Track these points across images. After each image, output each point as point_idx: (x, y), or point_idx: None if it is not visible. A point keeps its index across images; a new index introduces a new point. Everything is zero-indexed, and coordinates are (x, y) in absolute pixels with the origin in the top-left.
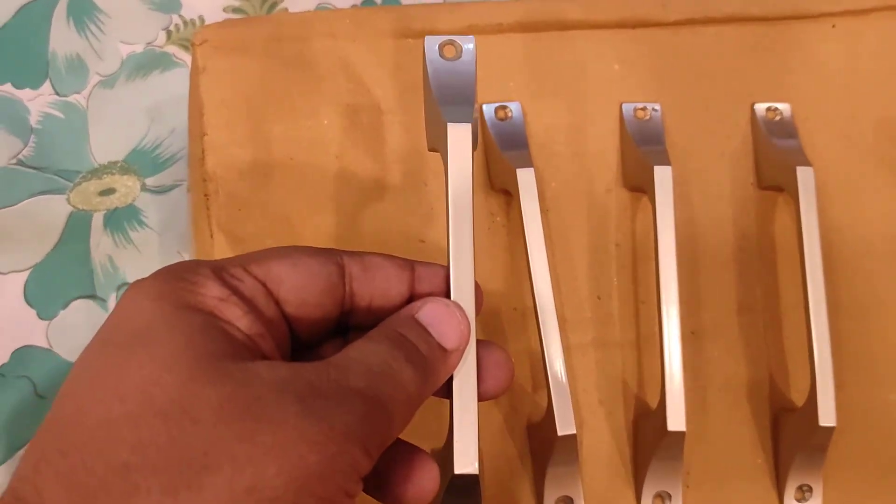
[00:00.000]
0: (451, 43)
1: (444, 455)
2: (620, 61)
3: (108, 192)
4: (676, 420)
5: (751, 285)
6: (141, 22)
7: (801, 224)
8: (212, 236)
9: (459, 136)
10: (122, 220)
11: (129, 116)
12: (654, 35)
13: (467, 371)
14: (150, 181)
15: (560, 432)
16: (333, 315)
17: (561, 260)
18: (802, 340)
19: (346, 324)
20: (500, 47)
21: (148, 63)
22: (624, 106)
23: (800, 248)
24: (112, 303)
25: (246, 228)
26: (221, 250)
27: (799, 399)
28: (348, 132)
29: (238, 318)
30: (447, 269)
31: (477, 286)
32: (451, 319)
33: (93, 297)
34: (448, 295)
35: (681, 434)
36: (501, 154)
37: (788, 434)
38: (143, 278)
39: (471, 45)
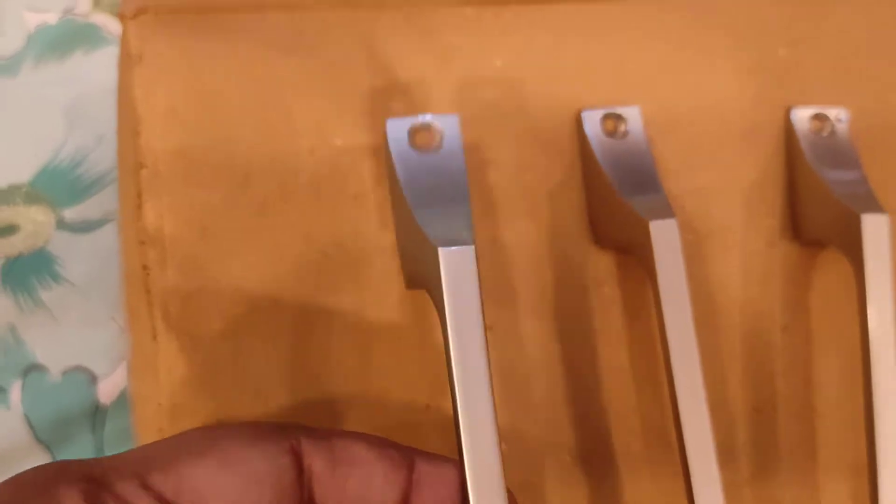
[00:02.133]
0: (427, 128)
1: None
2: (788, 44)
3: (8, 230)
4: None
5: None
6: None
7: None
8: (155, 338)
9: (458, 268)
10: (28, 271)
11: (38, 118)
12: (837, 5)
13: None
14: (68, 214)
15: None
16: None
17: (700, 352)
18: None
19: None
20: (609, 20)
21: (66, 39)
22: (794, 113)
23: None
24: (16, 393)
25: (210, 323)
26: (170, 362)
27: None
28: (375, 158)
29: None
30: (461, 470)
31: (510, 495)
32: None
33: None
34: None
35: None
36: (618, 195)
37: None
38: None
39: (454, 127)
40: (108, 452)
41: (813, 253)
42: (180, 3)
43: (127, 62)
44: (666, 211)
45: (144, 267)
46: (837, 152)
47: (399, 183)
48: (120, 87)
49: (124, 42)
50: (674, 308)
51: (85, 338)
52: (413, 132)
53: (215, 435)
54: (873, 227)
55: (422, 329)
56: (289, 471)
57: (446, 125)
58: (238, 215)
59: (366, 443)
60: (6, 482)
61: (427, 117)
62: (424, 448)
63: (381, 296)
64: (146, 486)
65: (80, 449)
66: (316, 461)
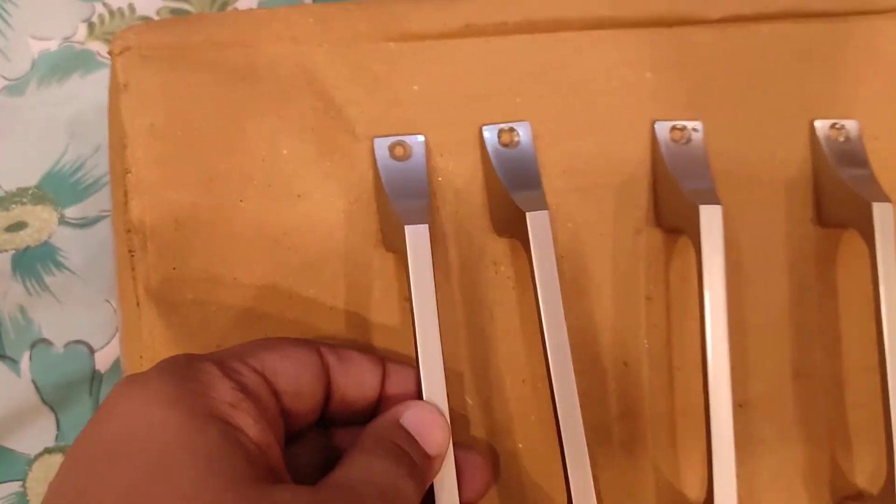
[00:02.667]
0: (401, 144)
1: None
2: (654, 69)
3: (18, 226)
4: None
5: (809, 345)
6: (56, 12)
7: (878, 271)
8: (138, 304)
9: (417, 239)
10: (34, 261)
11: (42, 131)
12: (694, 36)
13: (447, 476)
14: (69, 212)
15: None
16: (320, 406)
17: (578, 318)
18: (871, 411)
19: (322, 415)
20: (505, 52)
21: (65, 63)
22: (657, 125)
23: (875, 300)
24: (25, 363)
25: (182, 294)
26: (151, 323)
27: (866, 484)
28: (315, 165)
29: (250, 427)
30: (417, 371)
31: (482, 463)
32: (434, 425)
33: (1, 357)
34: (419, 391)
35: None
36: (507, 193)
37: None
38: (141, 375)
39: (420, 142)
40: None
41: (672, 238)
42: (157, 42)
43: (115, 89)
44: (541, 203)
45: (130, 251)
46: (691, 157)
47: (381, 180)
48: (110, 109)
49: (113, 73)
50: (545, 280)
51: (83, 316)
52: (391, 147)
53: (271, 341)
54: (708, 215)
55: (347, 294)
56: (318, 362)
57: (413, 141)
58: (204, 210)
59: (356, 349)
60: (161, 363)
61: (399, 137)
62: None
63: (318, 272)
64: (245, 363)
65: (81, 409)
66: (331, 359)
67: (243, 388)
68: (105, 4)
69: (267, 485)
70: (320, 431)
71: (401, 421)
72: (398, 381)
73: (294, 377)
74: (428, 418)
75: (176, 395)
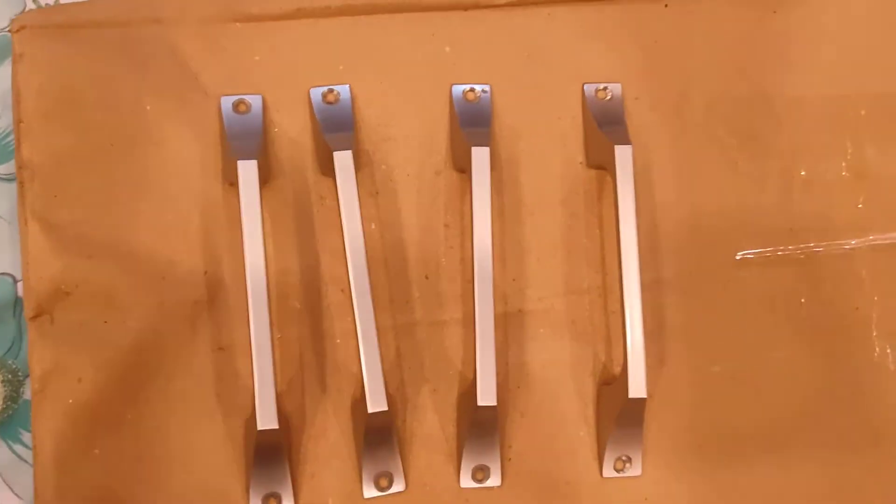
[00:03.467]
0: (242, 101)
1: None
2: (452, 44)
3: None
4: (487, 395)
5: (578, 264)
6: None
7: (618, 201)
8: (26, 223)
9: (247, 171)
10: None
11: None
12: (486, 17)
13: None
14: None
15: (371, 409)
16: None
17: (390, 241)
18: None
19: None
20: (330, 30)
21: (0, 50)
22: (454, 88)
23: (616, 225)
24: None
25: (62, 216)
26: (35, 238)
27: (620, 372)
28: (171, 118)
29: None
30: None
31: None
32: None
33: None
34: None
35: (492, 409)
36: (323, 137)
37: (607, 407)
38: None
39: (258, 99)
40: (25, 330)
41: (465, 177)
42: (47, 22)
43: (14, 59)
44: (347, 145)
45: (21, 182)
46: (479, 113)
47: (224, 127)
48: (12, 76)
49: (13, 47)
50: (347, 212)
51: (8, 252)
52: (235, 105)
53: None
54: (478, 156)
55: (199, 220)
56: None
57: (254, 100)
58: (80, 153)
59: None
60: None
61: (242, 96)
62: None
63: (175, 203)
64: None
65: (6, 328)
66: None
67: None
68: (35, 1)
69: None
70: None
71: None
72: None
73: None
74: None
75: None
